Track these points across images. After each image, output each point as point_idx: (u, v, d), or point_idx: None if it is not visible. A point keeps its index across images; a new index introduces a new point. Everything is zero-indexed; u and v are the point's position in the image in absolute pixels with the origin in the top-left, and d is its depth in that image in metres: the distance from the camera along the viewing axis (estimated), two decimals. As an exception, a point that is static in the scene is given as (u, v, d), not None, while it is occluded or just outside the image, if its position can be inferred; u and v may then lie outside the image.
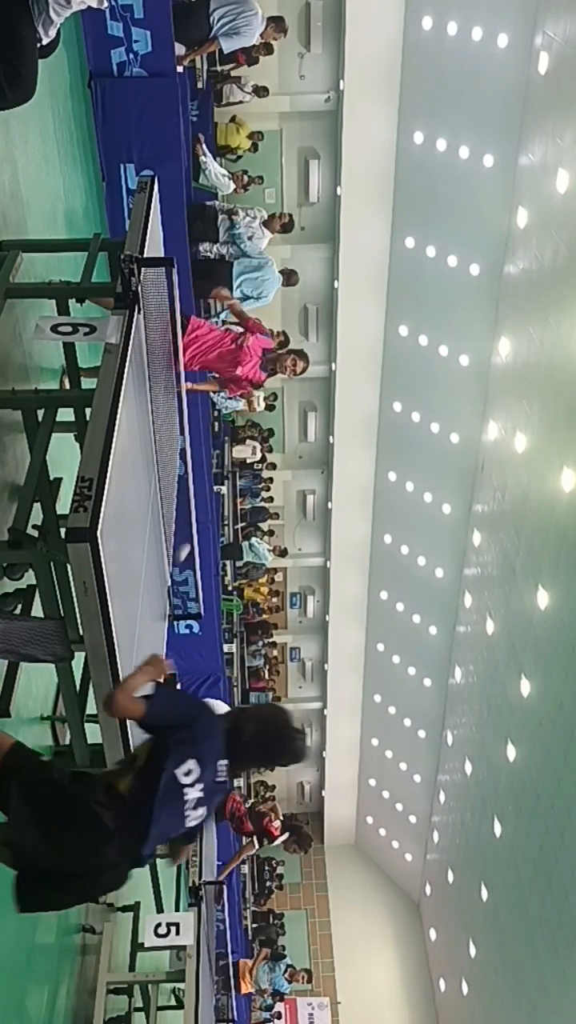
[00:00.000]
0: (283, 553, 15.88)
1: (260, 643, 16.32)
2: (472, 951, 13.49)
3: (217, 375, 6.37)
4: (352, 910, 19.43)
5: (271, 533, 15.66)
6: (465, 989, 14.38)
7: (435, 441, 13.20)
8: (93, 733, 3.22)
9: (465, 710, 13.53)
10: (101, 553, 2.34)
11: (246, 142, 11.85)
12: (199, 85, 9.94)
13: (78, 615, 2.58)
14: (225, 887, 10.53)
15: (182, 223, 6.85)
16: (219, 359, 5.99)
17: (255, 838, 9.80)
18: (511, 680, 10.23)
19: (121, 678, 2.68)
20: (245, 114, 12.18)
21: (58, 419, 3.55)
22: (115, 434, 2.61)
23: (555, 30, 8.29)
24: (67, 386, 4.33)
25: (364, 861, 20.58)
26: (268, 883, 16.67)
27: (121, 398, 2.76)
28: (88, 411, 2.91)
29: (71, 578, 2.55)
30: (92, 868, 2.60)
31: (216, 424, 12.33)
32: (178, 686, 6.81)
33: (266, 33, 8.57)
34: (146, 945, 5.96)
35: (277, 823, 10.21)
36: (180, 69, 7.35)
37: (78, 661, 3.10)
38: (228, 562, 13.54)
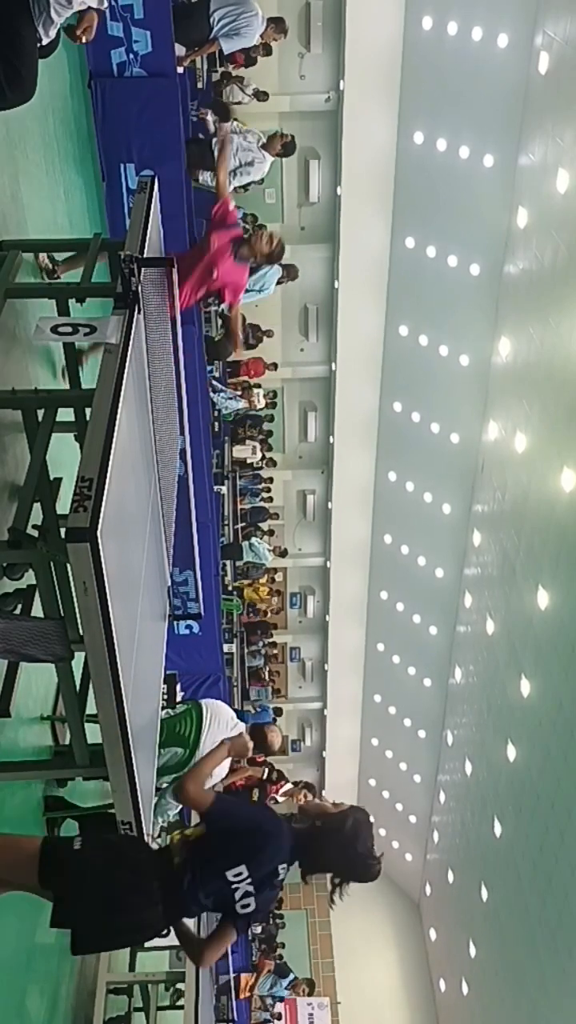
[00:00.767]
0: (283, 553, 15.89)
1: (260, 643, 16.32)
2: (472, 951, 13.49)
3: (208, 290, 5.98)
4: (352, 910, 19.34)
5: (271, 533, 15.67)
6: (465, 989, 14.38)
7: (435, 441, 13.21)
8: (93, 733, 3.22)
9: (465, 710, 13.53)
10: (101, 553, 2.34)
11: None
12: (199, 85, 9.94)
13: (78, 615, 2.57)
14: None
15: (182, 222, 6.85)
16: (199, 279, 5.47)
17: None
18: (511, 680, 10.23)
19: (123, 683, 2.71)
20: (245, 114, 12.17)
21: (58, 419, 3.55)
22: (115, 434, 2.61)
23: (555, 30, 8.30)
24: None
25: (364, 861, 20.56)
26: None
27: (121, 398, 2.76)
28: (88, 411, 2.91)
29: (71, 578, 2.55)
30: (137, 929, 2.83)
31: (216, 424, 12.33)
32: (178, 686, 6.81)
33: (266, 34, 8.56)
34: (146, 945, 5.95)
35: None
36: (180, 70, 7.35)
37: (78, 661, 3.10)
38: (228, 562, 13.54)
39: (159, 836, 4.76)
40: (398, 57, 11.50)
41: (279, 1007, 14.90)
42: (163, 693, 4.81)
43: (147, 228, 3.58)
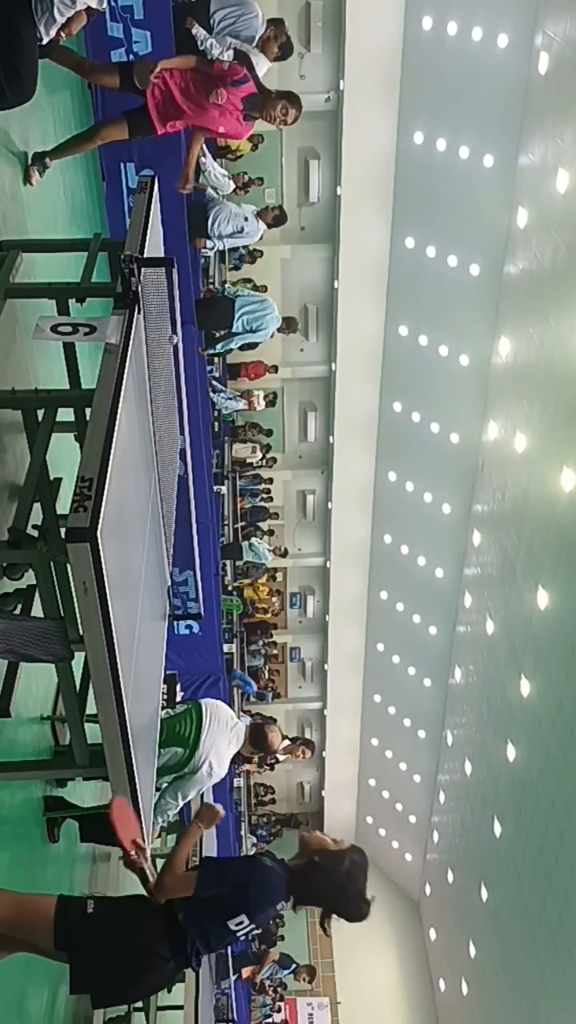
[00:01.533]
0: (284, 554, 15.89)
1: (260, 643, 16.33)
2: (472, 951, 13.49)
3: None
4: (352, 910, 19.40)
5: (271, 533, 15.67)
6: (465, 989, 14.38)
7: (435, 441, 13.21)
8: (93, 733, 3.22)
9: (465, 710, 13.53)
10: (101, 553, 2.34)
11: (246, 144, 11.85)
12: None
13: (78, 615, 2.57)
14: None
15: (182, 222, 6.85)
16: (199, 120, 5.60)
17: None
18: (511, 680, 10.23)
19: (123, 683, 2.72)
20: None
21: (58, 419, 3.55)
22: (115, 434, 2.61)
23: (555, 30, 8.30)
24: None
25: (364, 861, 20.56)
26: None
27: (121, 398, 2.76)
28: (88, 411, 2.91)
29: (71, 578, 2.55)
30: (151, 985, 3.02)
31: (216, 424, 12.33)
32: (178, 686, 6.80)
33: (266, 35, 8.55)
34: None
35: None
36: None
37: (78, 661, 3.10)
38: (228, 562, 13.54)
39: (159, 836, 4.76)
40: (398, 57, 11.50)
41: (279, 1006, 14.92)
42: (163, 693, 4.80)
43: (147, 228, 3.58)
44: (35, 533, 3.33)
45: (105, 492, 2.42)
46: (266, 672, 16.69)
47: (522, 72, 9.05)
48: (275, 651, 17.82)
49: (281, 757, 11.14)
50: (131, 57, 6.35)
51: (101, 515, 2.36)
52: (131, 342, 3.01)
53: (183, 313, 4.23)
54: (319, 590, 18.14)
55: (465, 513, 12.68)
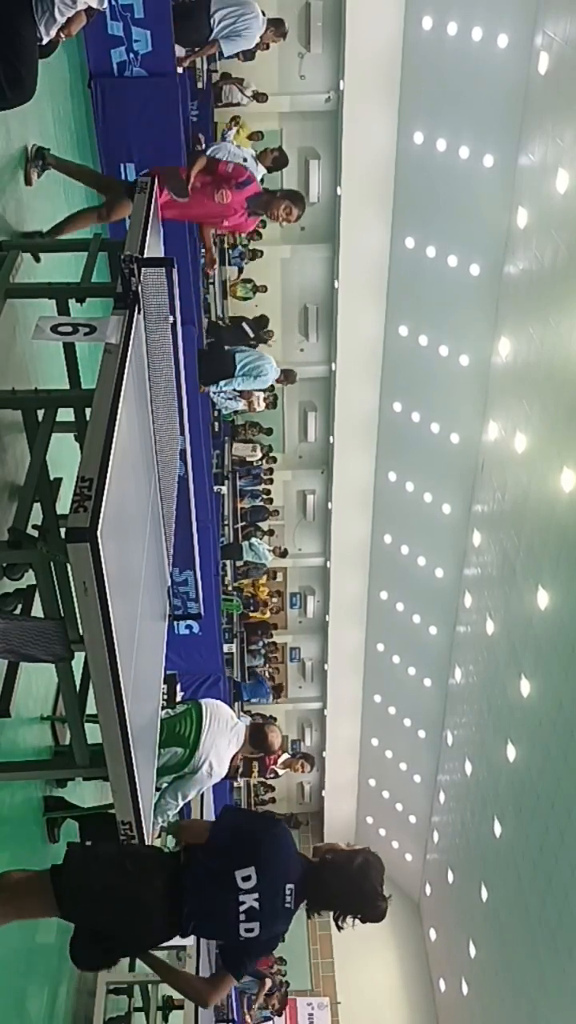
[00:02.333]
0: (283, 554, 15.90)
1: (260, 643, 16.33)
2: (472, 951, 13.48)
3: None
4: (352, 910, 19.40)
5: (271, 533, 15.67)
6: (465, 989, 14.38)
7: (435, 441, 13.20)
8: (93, 733, 3.22)
9: (465, 710, 13.53)
10: (101, 553, 2.34)
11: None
12: (199, 85, 9.95)
13: (78, 615, 2.58)
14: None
15: (182, 222, 6.84)
16: (203, 218, 5.64)
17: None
18: (511, 680, 10.23)
19: (123, 683, 2.71)
20: (245, 114, 12.20)
21: (58, 419, 3.56)
22: (115, 434, 2.61)
23: (555, 30, 8.29)
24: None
25: (364, 861, 20.55)
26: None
27: (121, 398, 2.76)
28: (88, 411, 2.91)
29: (71, 578, 2.55)
30: (140, 936, 2.85)
31: (216, 424, 12.33)
32: (178, 686, 6.80)
33: (266, 35, 8.57)
34: (146, 945, 5.95)
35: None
36: (180, 70, 7.35)
37: (78, 661, 3.10)
38: (228, 562, 13.54)
39: (159, 836, 4.76)
40: (398, 57, 11.49)
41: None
42: (163, 693, 4.80)
43: (147, 228, 3.58)
44: (35, 533, 3.33)
45: (105, 492, 2.42)
46: (267, 672, 16.69)
47: (522, 72, 9.04)
48: (275, 651, 17.82)
49: (280, 771, 11.17)
50: (131, 56, 6.36)
51: (101, 515, 2.36)
52: (131, 342, 3.02)
53: (183, 312, 4.23)
54: (319, 590, 18.13)
55: (465, 513, 12.68)
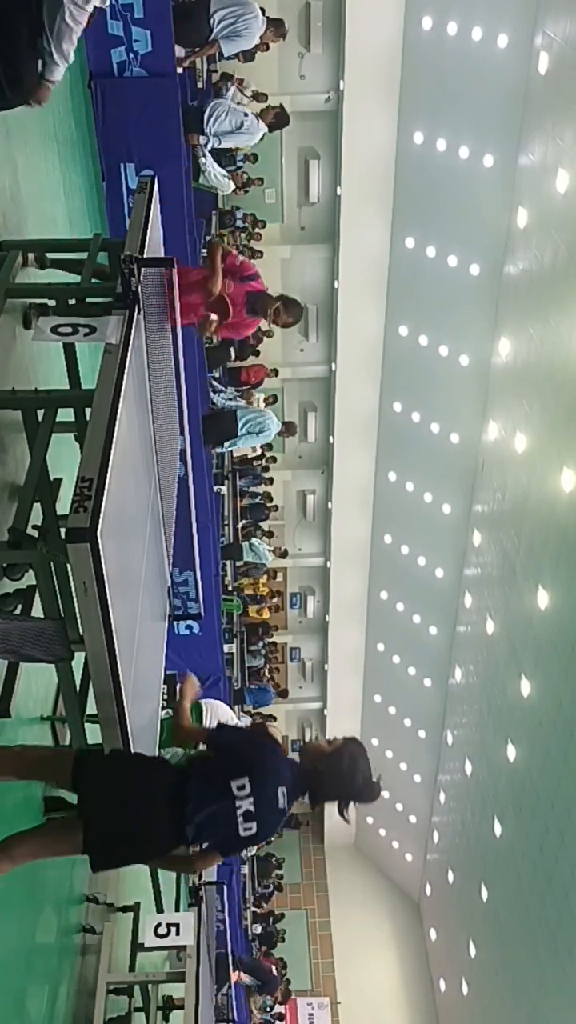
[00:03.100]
0: (283, 554, 15.89)
1: (260, 643, 16.32)
2: (472, 951, 13.49)
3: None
4: (352, 910, 19.44)
5: (271, 534, 15.66)
6: (465, 989, 14.38)
7: (435, 441, 13.21)
8: (93, 733, 3.22)
9: (465, 710, 13.53)
10: (101, 553, 2.34)
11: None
12: (199, 85, 9.94)
13: (78, 615, 2.58)
14: (225, 887, 10.53)
15: (182, 222, 6.85)
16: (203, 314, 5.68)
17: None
18: (511, 680, 10.23)
19: (123, 683, 2.74)
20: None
21: (58, 419, 3.55)
22: (115, 434, 2.61)
23: (555, 30, 8.30)
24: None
25: (364, 861, 20.58)
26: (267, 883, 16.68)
27: (121, 398, 2.76)
28: (88, 411, 2.91)
29: (71, 578, 2.55)
30: (147, 837, 3.00)
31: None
32: (178, 686, 6.80)
33: (265, 35, 8.56)
34: (146, 945, 5.96)
35: None
36: (180, 70, 7.35)
37: (78, 661, 3.10)
38: (228, 562, 13.54)
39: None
40: (398, 57, 11.50)
41: (279, 1008, 14.92)
42: (163, 693, 4.80)
43: (147, 228, 3.58)
44: (35, 533, 3.33)
45: (105, 492, 2.42)
46: (266, 671, 16.70)
47: (522, 72, 9.05)
48: (275, 651, 17.82)
49: None
50: (131, 56, 6.35)
51: (101, 515, 2.36)
52: (131, 342, 3.01)
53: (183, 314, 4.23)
54: (319, 590, 18.13)
55: (465, 513, 12.68)
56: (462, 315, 11.68)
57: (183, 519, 4.56)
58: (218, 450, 9.84)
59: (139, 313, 3.25)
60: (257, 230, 13.42)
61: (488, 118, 10.03)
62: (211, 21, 7.86)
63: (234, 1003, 11.01)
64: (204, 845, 3.08)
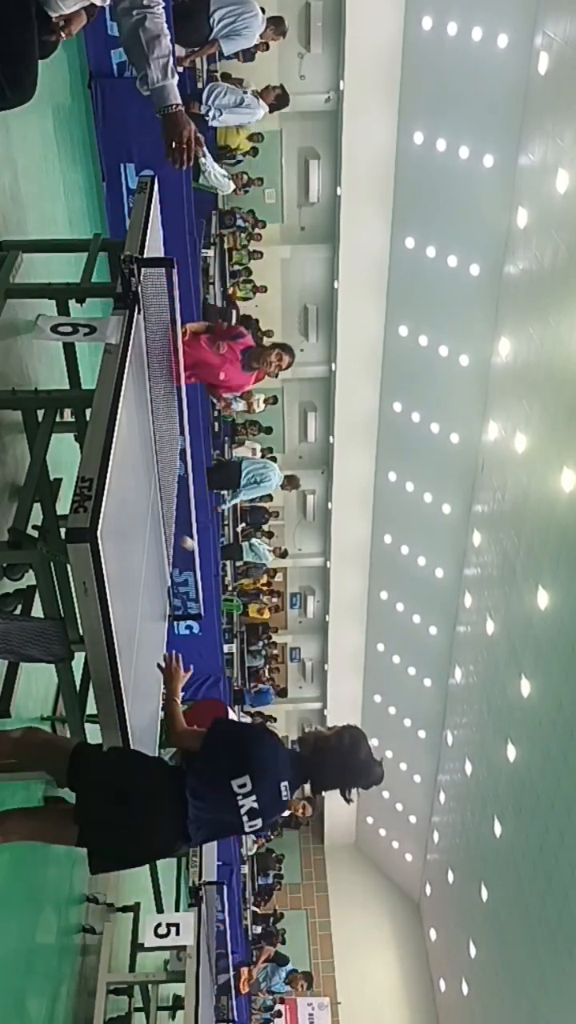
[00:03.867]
0: (283, 554, 15.89)
1: (260, 643, 16.33)
2: (472, 951, 13.49)
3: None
4: (352, 910, 19.44)
5: (270, 535, 15.65)
6: (465, 989, 14.38)
7: (435, 441, 13.21)
8: (93, 733, 3.22)
9: (465, 710, 13.53)
10: (101, 553, 2.34)
11: (246, 143, 11.86)
12: (199, 85, 9.95)
13: (78, 615, 2.58)
14: (225, 887, 10.53)
15: (182, 222, 6.85)
16: (203, 375, 5.99)
17: None
18: (511, 680, 10.23)
19: (123, 683, 2.73)
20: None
21: (58, 419, 3.55)
22: (115, 434, 2.61)
23: (555, 30, 8.30)
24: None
25: (364, 861, 20.58)
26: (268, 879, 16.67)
27: (121, 398, 2.76)
28: (88, 411, 2.91)
29: (71, 578, 2.55)
30: (149, 838, 2.97)
31: (216, 424, 12.32)
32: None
33: (265, 34, 8.57)
34: (146, 945, 5.96)
35: None
36: (180, 70, 7.34)
37: (78, 661, 3.10)
38: (228, 562, 13.54)
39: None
40: (398, 57, 11.50)
41: (279, 1007, 14.91)
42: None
43: (147, 228, 3.58)
44: (35, 533, 3.33)
45: (105, 492, 2.42)
46: (266, 672, 16.70)
47: (522, 72, 9.04)
48: (275, 651, 17.82)
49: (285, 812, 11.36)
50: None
51: (101, 515, 2.36)
52: (131, 342, 3.01)
53: (183, 312, 4.23)
54: (319, 590, 18.13)
55: (465, 513, 12.68)
56: (462, 315, 11.68)
57: (183, 519, 4.56)
58: (222, 507, 10.24)
59: (139, 313, 3.25)
60: (257, 230, 13.42)
61: (488, 118, 10.03)
62: (211, 20, 7.87)
63: (234, 1004, 11.02)
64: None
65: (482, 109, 10.13)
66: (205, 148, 9.04)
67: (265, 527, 15.27)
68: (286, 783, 2.98)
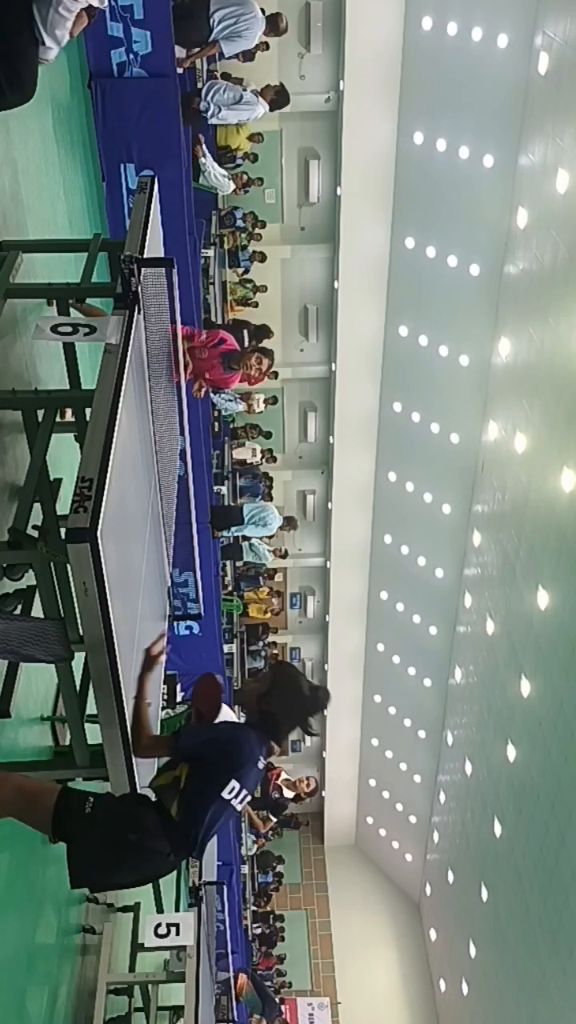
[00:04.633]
0: (284, 555, 15.87)
1: (260, 643, 16.32)
2: (472, 951, 13.48)
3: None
4: (352, 910, 19.43)
5: (271, 535, 15.62)
6: (465, 989, 14.38)
7: (435, 441, 13.20)
8: (93, 733, 3.22)
9: (465, 710, 13.53)
10: (101, 553, 2.34)
11: (246, 143, 11.85)
12: (199, 85, 9.94)
13: (78, 615, 2.58)
14: (225, 887, 10.54)
15: (182, 222, 6.85)
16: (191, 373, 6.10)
17: None
18: (511, 680, 10.23)
19: (123, 683, 2.72)
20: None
21: (58, 419, 3.56)
22: (115, 434, 2.61)
23: (555, 30, 8.30)
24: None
25: (364, 861, 20.58)
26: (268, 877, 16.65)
27: (121, 398, 2.76)
28: (88, 411, 2.92)
29: (71, 578, 2.55)
30: (150, 873, 2.99)
31: (216, 424, 12.33)
32: (178, 686, 6.81)
33: (264, 31, 8.55)
34: (146, 945, 5.96)
35: None
36: (180, 71, 7.35)
37: (78, 661, 3.10)
38: (228, 562, 13.54)
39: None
40: (398, 57, 11.49)
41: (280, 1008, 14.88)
42: (163, 693, 4.80)
43: (147, 228, 3.58)
44: (35, 533, 3.33)
45: (105, 492, 2.42)
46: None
47: (522, 72, 9.04)
48: (275, 651, 17.80)
49: (288, 793, 11.49)
50: (131, 57, 6.36)
51: (101, 515, 2.36)
52: (131, 342, 3.02)
53: (183, 312, 4.23)
54: (319, 590, 18.12)
55: (465, 513, 12.68)
56: (462, 315, 11.67)
57: (183, 519, 4.57)
58: (223, 535, 10.67)
59: (139, 313, 3.25)
60: (257, 230, 13.42)
61: (488, 118, 10.03)
62: (211, 21, 7.85)
63: (233, 1004, 11.01)
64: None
65: (482, 109, 10.13)
66: (205, 148, 9.05)
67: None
68: (263, 759, 3.02)
